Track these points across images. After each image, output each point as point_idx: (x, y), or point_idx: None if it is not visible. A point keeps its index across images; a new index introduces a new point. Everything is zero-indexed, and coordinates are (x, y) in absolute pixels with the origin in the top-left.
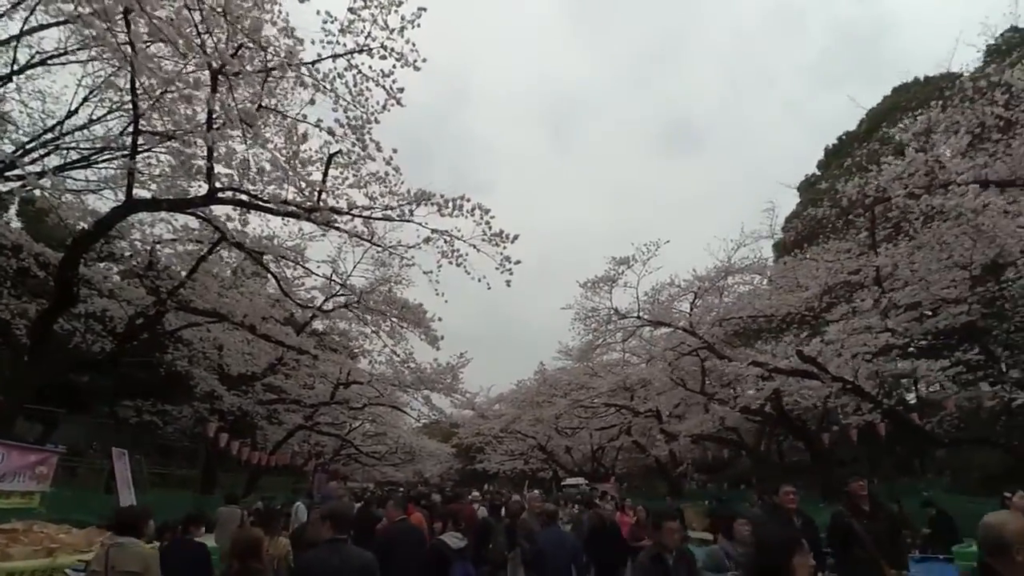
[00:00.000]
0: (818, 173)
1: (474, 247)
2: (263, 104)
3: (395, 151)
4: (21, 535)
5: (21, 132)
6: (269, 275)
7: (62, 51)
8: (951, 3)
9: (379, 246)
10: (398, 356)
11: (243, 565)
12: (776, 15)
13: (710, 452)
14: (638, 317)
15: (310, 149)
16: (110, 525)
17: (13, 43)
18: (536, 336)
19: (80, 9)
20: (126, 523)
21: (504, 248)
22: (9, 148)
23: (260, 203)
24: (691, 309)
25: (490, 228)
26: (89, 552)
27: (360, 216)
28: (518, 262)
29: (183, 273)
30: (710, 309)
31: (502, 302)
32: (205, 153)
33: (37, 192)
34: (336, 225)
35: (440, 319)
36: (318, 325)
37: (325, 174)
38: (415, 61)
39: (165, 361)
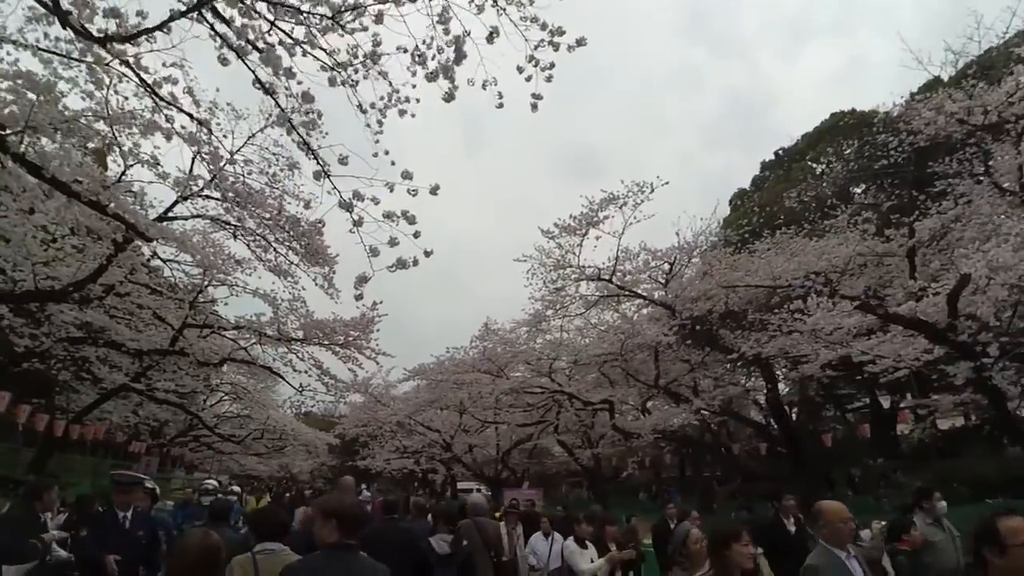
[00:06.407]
0: (747, 189)
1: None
2: None
3: None
4: None
5: None
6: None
7: None
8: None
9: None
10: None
11: None
12: (679, 74)
13: (648, 458)
14: (610, 281)
15: None
16: None
17: None
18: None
19: None
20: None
21: (544, 39)
22: None
23: None
24: (667, 282)
25: None
26: None
27: None
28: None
29: None
30: (684, 286)
31: (397, 304)
32: None
33: None
34: None
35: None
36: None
37: None
38: None
39: None
